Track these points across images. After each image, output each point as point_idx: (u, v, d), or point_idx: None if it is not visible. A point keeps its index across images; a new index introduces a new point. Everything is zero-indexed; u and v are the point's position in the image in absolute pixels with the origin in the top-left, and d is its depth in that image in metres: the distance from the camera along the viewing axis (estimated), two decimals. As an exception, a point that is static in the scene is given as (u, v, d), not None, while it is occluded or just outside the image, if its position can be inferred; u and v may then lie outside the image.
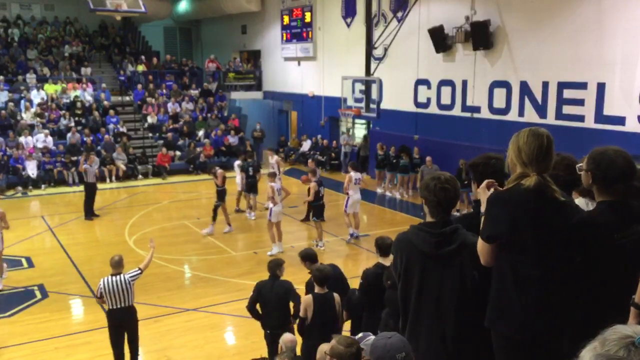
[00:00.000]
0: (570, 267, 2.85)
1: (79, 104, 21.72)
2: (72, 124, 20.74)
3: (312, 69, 22.96)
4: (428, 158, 15.78)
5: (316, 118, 22.86)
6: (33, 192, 18.11)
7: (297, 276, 7.75)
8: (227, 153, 21.55)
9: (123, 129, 21.52)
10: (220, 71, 25.73)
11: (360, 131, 21.81)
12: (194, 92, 24.39)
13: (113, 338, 6.98)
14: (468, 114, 16.49)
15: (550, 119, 14.02)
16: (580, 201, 3.34)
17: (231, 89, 25.59)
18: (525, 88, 14.75)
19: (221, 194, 13.34)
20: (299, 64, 23.71)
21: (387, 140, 18.18)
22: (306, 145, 22.90)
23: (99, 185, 16.08)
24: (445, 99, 17.16)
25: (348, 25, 20.63)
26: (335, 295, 6.00)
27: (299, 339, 5.92)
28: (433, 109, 17.61)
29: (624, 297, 2.57)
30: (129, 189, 18.86)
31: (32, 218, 15.42)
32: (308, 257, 6.75)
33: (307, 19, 22.53)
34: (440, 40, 16.45)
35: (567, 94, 13.74)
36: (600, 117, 13.10)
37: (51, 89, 22.17)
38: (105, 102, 22.34)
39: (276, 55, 24.99)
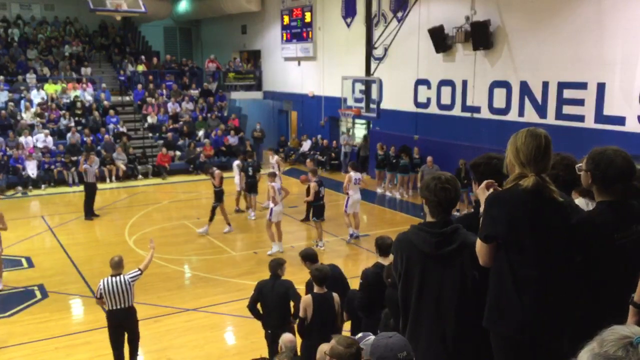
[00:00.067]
0: (569, 267, 2.85)
1: (79, 104, 21.72)
2: (72, 124, 20.74)
3: (312, 69, 22.96)
4: (429, 158, 15.74)
5: (316, 118, 22.86)
6: (33, 192, 18.10)
7: (297, 276, 7.74)
8: (227, 153, 21.53)
9: (123, 129, 21.52)
10: (220, 71, 25.72)
11: (360, 131, 21.80)
12: (194, 92, 24.39)
13: (113, 338, 6.99)
14: (468, 114, 16.49)
15: (550, 119, 14.02)
16: (580, 201, 3.34)
17: (231, 89, 25.59)
18: (525, 88, 14.75)
19: (219, 195, 13.32)
20: (299, 64, 23.71)
21: (387, 140, 18.18)
22: (306, 145, 22.90)
23: (99, 185, 16.08)
24: (445, 99, 17.15)
25: (348, 25, 20.63)
26: (335, 295, 6.01)
27: (298, 339, 5.92)
28: (433, 109, 17.60)
29: (624, 297, 2.57)
30: (129, 189, 18.85)
31: (32, 218, 15.41)
32: (308, 257, 6.77)
33: (307, 19, 22.53)
34: (440, 40, 16.45)
35: (567, 94, 13.74)
36: (600, 117, 13.10)
37: (51, 89, 22.17)
38: (105, 102, 22.34)
39: (276, 55, 24.99)
